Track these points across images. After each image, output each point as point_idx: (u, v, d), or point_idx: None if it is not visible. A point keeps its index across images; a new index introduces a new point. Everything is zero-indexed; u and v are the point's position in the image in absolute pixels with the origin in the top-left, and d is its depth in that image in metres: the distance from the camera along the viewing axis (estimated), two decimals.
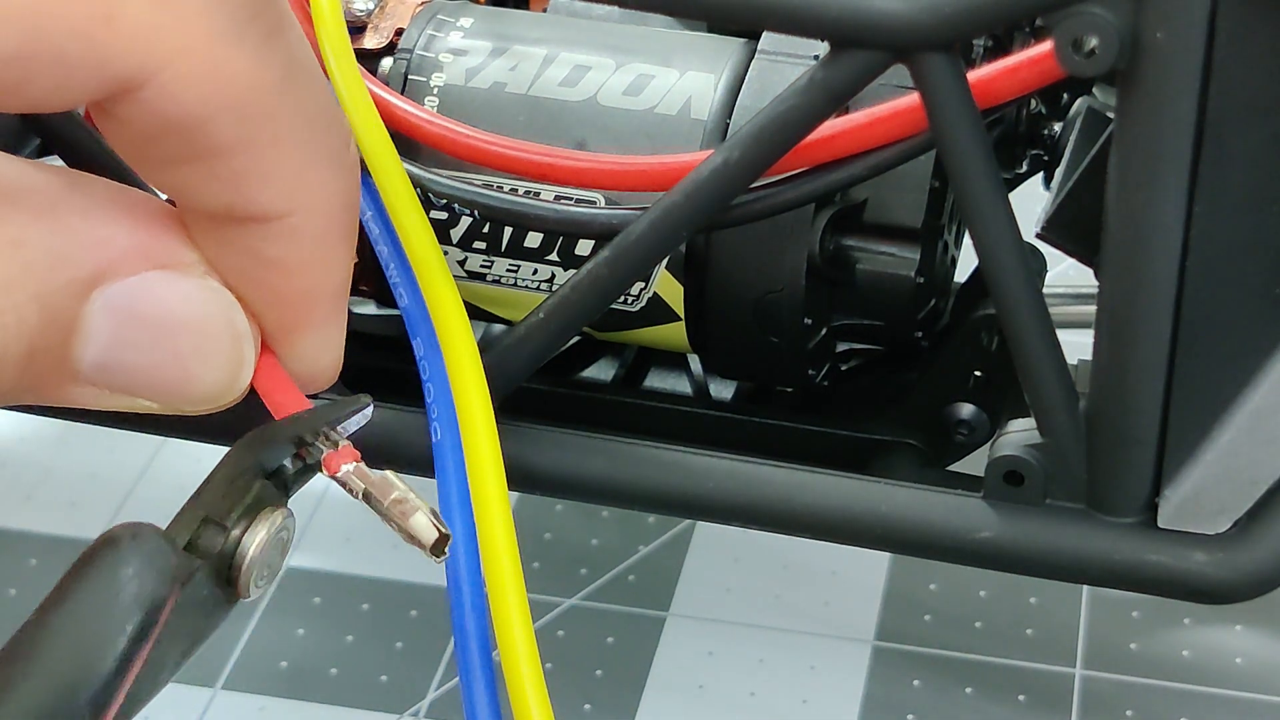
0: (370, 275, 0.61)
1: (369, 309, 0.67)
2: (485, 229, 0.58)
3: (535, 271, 0.58)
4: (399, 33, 0.60)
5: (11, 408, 0.66)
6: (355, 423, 0.38)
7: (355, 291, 0.63)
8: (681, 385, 0.65)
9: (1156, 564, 0.54)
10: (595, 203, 0.56)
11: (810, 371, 0.60)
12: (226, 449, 0.35)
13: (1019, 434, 0.54)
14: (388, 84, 0.58)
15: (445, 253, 0.56)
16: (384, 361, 0.63)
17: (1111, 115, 0.50)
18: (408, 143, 0.55)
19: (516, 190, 0.56)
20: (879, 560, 0.77)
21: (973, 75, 0.49)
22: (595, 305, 0.55)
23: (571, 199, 0.56)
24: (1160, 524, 0.54)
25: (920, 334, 0.60)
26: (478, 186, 0.56)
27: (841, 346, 0.61)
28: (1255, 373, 0.52)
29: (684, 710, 0.72)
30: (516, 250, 0.58)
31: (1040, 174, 0.62)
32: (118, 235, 0.33)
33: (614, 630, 0.75)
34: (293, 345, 0.37)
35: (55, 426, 0.65)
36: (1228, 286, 0.51)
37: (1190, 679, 0.71)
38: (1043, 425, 0.54)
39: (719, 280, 0.58)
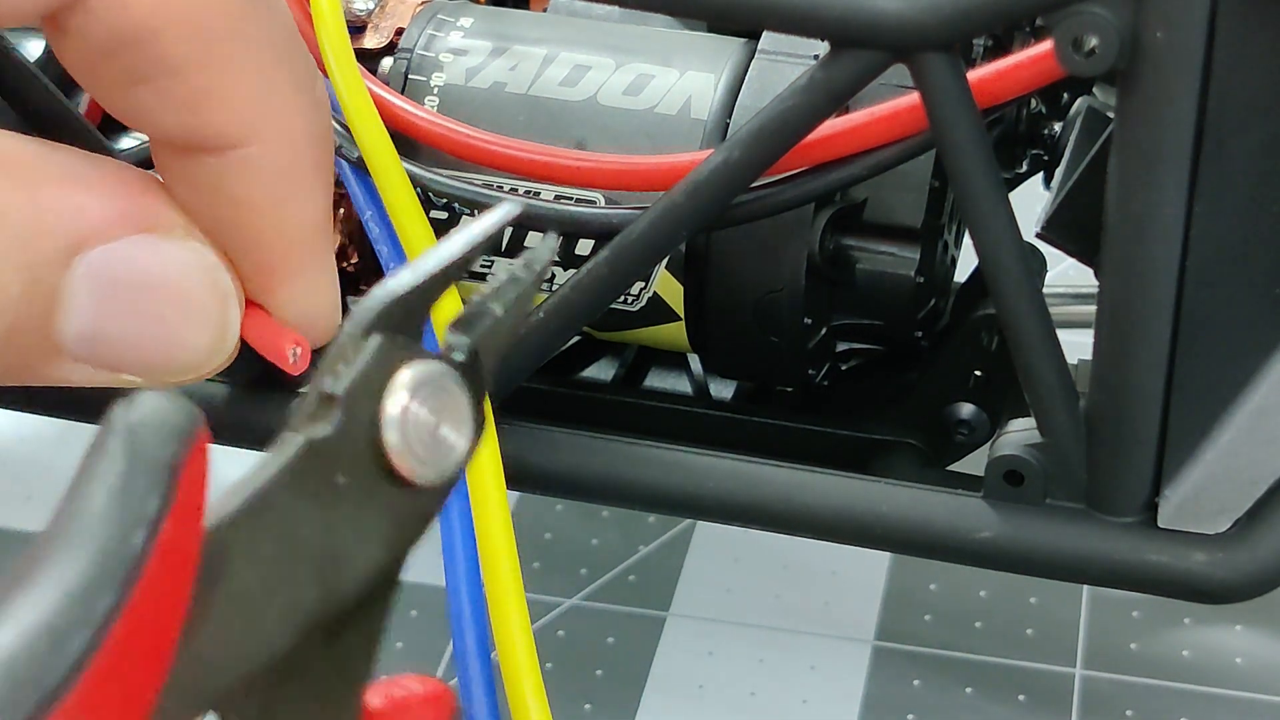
0: (370, 275, 0.61)
1: None
2: None
3: None
4: (399, 32, 0.60)
5: (8, 405, 0.66)
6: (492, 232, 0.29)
7: (355, 291, 0.63)
8: (681, 385, 0.65)
9: (1156, 564, 0.54)
10: (595, 203, 0.56)
11: (810, 371, 0.59)
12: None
13: (1019, 434, 0.54)
14: (388, 84, 0.58)
15: None
16: None
17: (1111, 115, 0.50)
18: (408, 143, 0.55)
19: (516, 190, 0.56)
20: (879, 560, 0.77)
21: (973, 75, 0.49)
22: (595, 305, 0.55)
23: (571, 199, 0.56)
24: (1160, 524, 0.54)
25: (920, 334, 0.60)
26: (478, 186, 0.56)
27: (841, 346, 0.61)
28: (1255, 373, 0.52)
29: (684, 710, 0.72)
30: (516, 250, 0.58)
31: (1040, 174, 0.62)
32: (96, 201, 0.33)
33: (614, 630, 0.75)
34: (277, 293, 0.35)
35: (55, 426, 0.65)
36: (1228, 286, 0.51)
37: (1190, 679, 0.71)
38: (1043, 425, 0.54)
39: (719, 280, 0.58)
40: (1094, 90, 0.56)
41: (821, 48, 0.50)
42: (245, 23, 0.33)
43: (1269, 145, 0.49)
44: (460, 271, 0.29)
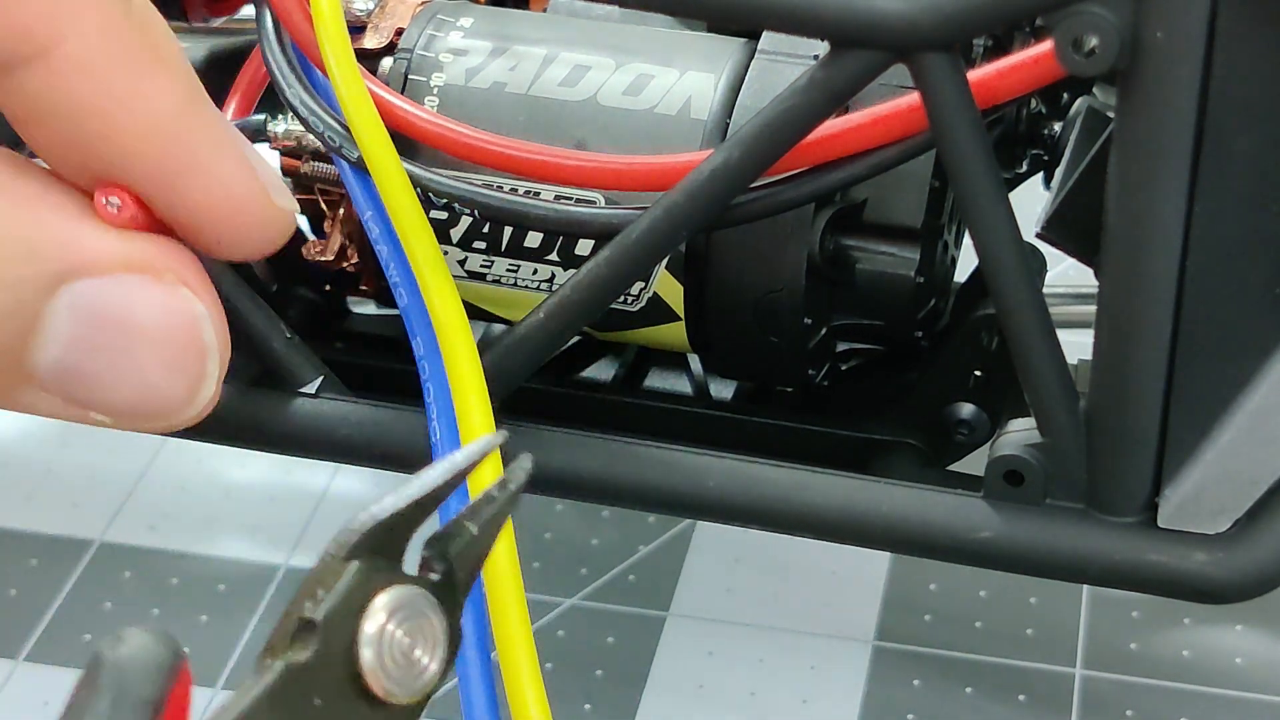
0: (370, 275, 0.61)
1: (369, 309, 0.67)
2: (485, 229, 0.58)
3: (535, 271, 0.58)
4: (399, 32, 0.60)
5: None
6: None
7: (355, 291, 0.63)
8: (681, 385, 0.65)
9: (1156, 564, 0.54)
10: (595, 203, 0.56)
11: (810, 371, 0.60)
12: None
13: (1019, 434, 0.54)
14: (388, 84, 0.58)
15: (445, 253, 0.56)
16: (384, 361, 0.63)
17: (1111, 115, 0.50)
18: (408, 143, 0.55)
19: (516, 190, 0.56)
20: (879, 560, 0.77)
21: (973, 75, 0.49)
22: (595, 305, 0.55)
23: (571, 199, 0.56)
24: (1160, 524, 0.54)
25: (920, 334, 0.60)
26: (478, 186, 0.56)
27: (841, 346, 0.61)
28: (1255, 373, 0.52)
29: (684, 710, 0.72)
30: (516, 250, 0.58)
31: (1040, 174, 0.62)
32: (93, 233, 0.32)
33: (614, 630, 0.75)
34: (180, 195, 0.33)
35: (55, 426, 0.65)
36: (1228, 286, 0.51)
37: (1190, 679, 0.71)
38: (1043, 425, 0.54)
39: (719, 280, 0.58)
40: (1094, 90, 0.56)
41: (821, 48, 0.50)
42: None
43: (1269, 145, 0.49)
44: (440, 500, 0.31)
